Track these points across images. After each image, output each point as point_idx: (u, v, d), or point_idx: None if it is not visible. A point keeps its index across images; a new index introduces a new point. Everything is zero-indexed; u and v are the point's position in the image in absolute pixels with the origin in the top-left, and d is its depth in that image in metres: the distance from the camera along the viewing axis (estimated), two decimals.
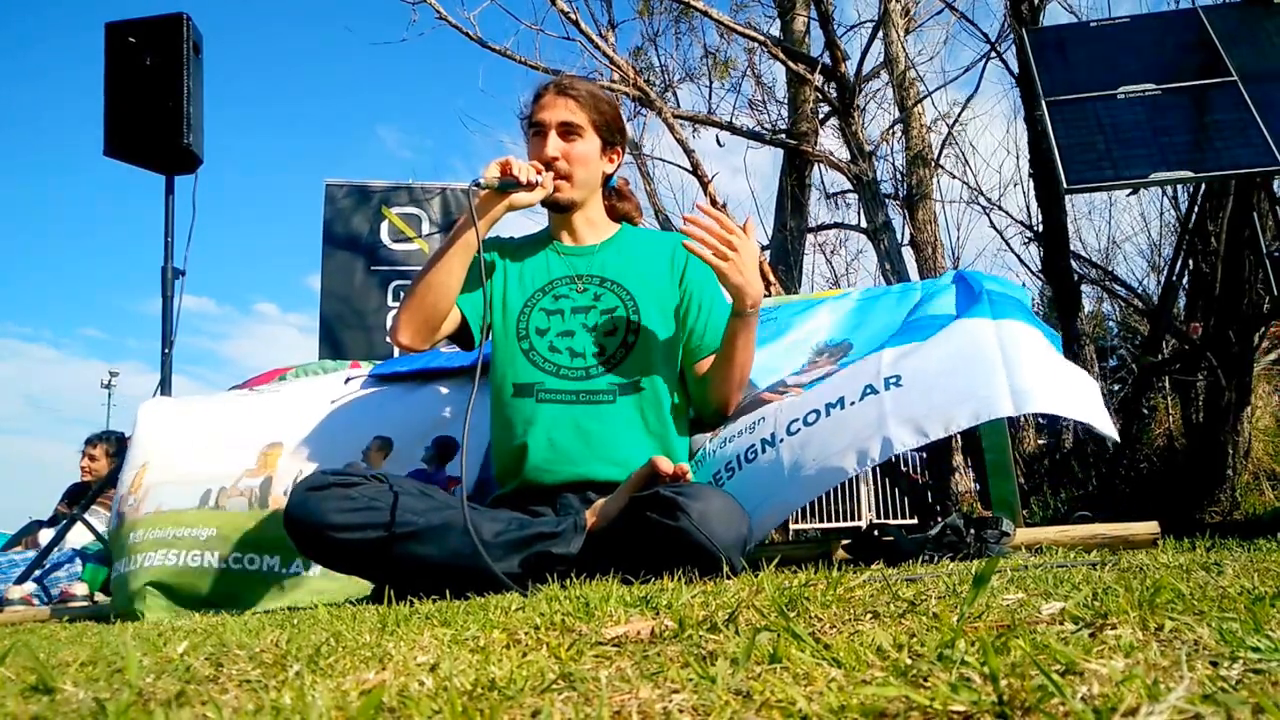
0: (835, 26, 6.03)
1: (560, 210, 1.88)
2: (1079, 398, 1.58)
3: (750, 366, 1.85)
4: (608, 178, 1.96)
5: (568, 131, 1.83)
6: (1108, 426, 1.54)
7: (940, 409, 1.56)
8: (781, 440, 1.71)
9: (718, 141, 6.67)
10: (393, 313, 4.97)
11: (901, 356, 1.75)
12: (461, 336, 1.88)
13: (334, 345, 4.84)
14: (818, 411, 1.70)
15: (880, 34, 6.24)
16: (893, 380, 1.66)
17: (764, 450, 1.72)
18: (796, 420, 1.72)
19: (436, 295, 1.77)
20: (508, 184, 1.74)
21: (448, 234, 1.84)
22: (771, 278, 5.71)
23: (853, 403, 1.67)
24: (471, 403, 1.59)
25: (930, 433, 1.55)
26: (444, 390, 2.38)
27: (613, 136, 1.90)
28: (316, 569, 2.02)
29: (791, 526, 4.99)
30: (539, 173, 1.78)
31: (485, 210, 1.76)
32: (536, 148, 1.83)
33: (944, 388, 1.60)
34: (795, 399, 1.83)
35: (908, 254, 5.96)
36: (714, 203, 5.71)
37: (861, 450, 1.58)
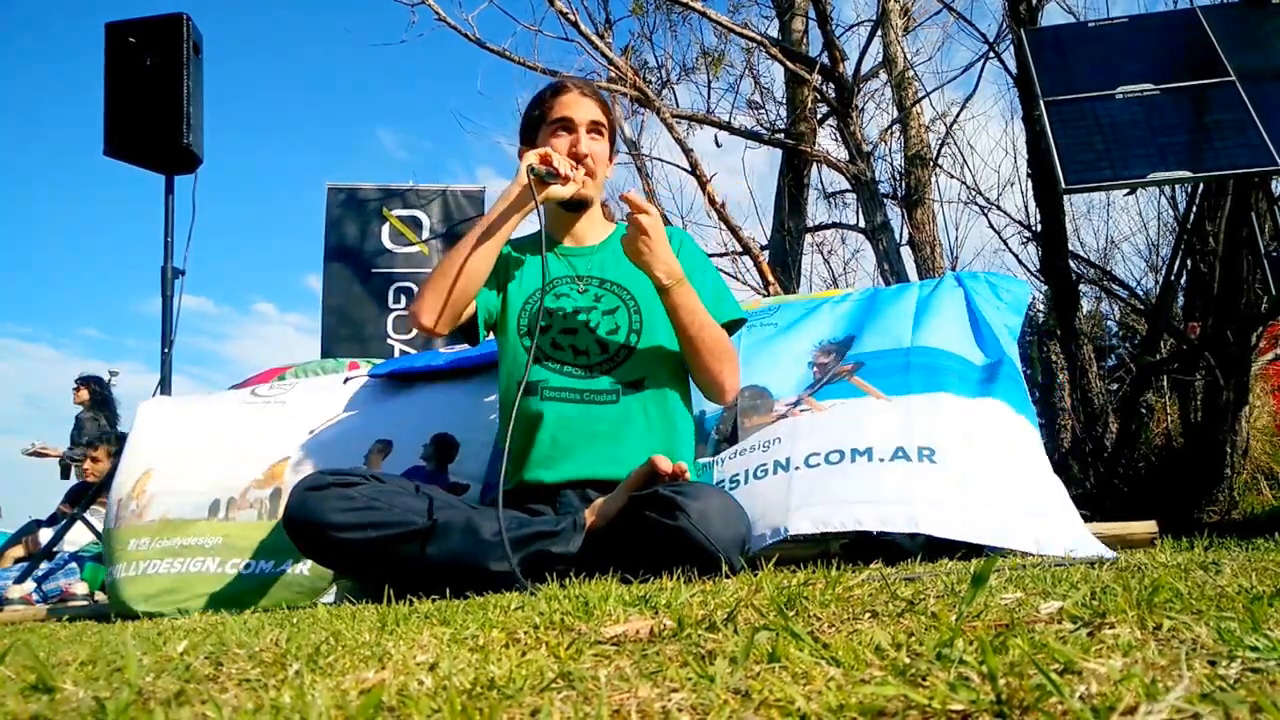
0: (833, 26, 6.03)
1: (575, 209, 1.90)
2: (1077, 533, 1.62)
3: (712, 336, 1.77)
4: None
5: (596, 132, 1.85)
6: (1096, 549, 1.56)
7: (968, 513, 1.59)
8: (797, 469, 1.71)
9: (715, 142, 6.67)
10: (393, 315, 4.98)
11: (934, 417, 1.76)
12: (469, 332, 1.88)
13: (334, 346, 4.85)
14: (842, 453, 1.70)
15: (879, 34, 6.24)
16: (926, 453, 1.68)
17: (775, 472, 1.73)
18: (817, 455, 1.72)
19: (467, 280, 1.76)
20: (550, 175, 1.75)
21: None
22: (770, 278, 5.71)
23: (882, 459, 1.68)
24: (516, 403, 1.63)
25: (955, 534, 1.57)
26: (440, 389, 2.38)
27: (616, 140, 1.95)
28: (302, 566, 2.02)
29: None
30: (573, 168, 1.79)
31: (524, 202, 1.76)
32: (566, 144, 1.83)
33: (973, 489, 1.62)
34: (812, 416, 1.82)
35: (906, 254, 5.97)
36: (712, 202, 5.71)
37: (885, 513, 1.59)
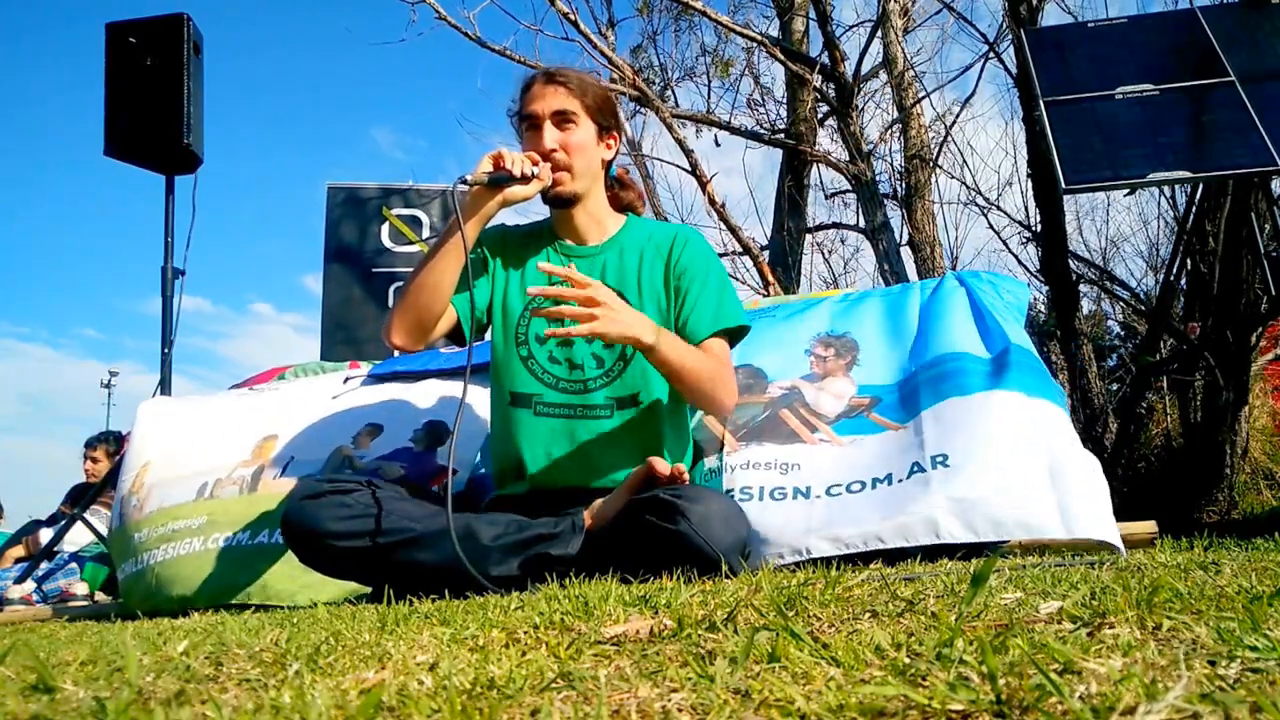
0: (833, 26, 6.03)
1: (563, 205, 1.80)
2: (1106, 517, 1.62)
3: (699, 374, 1.68)
4: (608, 165, 1.87)
5: (563, 120, 1.75)
6: (1118, 543, 1.58)
7: (990, 512, 1.58)
8: (819, 498, 1.73)
9: (715, 141, 6.69)
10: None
11: (942, 424, 1.76)
12: (458, 336, 1.83)
13: (333, 345, 4.85)
14: (864, 483, 1.73)
15: (879, 34, 6.24)
16: (940, 460, 1.68)
17: (795, 497, 1.74)
18: (839, 486, 1.74)
19: (429, 297, 1.71)
20: (499, 178, 1.66)
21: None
22: (770, 278, 5.71)
23: (900, 480, 1.70)
24: (460, 410, 1.58)
25: (980, 534, 1.56)
26: (440, 383, 2.38)
27: (607, 121, 1.81)
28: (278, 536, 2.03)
29: None
30: (535, 164, 1.70)
31: (477, 208, 1.69)
32: (532, 141, 1.75)
33: (992, 484, 1.62)
34: (832, 451, 1.83)
35: (906, 254, 5.97)
36: (713, 202, 5.71)
37: (904, 523, 1.59)
